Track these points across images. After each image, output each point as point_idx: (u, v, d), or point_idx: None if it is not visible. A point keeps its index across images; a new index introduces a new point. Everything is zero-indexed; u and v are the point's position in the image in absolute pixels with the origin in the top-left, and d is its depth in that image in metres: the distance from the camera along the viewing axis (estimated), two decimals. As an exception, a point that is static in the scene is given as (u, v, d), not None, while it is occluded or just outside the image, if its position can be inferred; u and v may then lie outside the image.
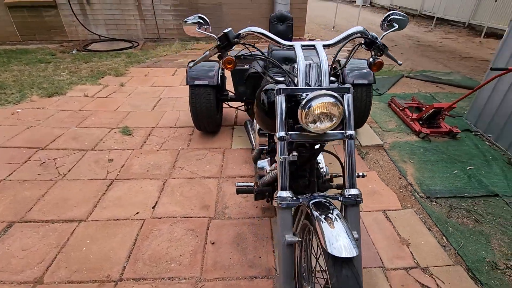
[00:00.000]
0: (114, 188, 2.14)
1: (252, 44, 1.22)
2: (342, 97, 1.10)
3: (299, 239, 1.10)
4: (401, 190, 2.18)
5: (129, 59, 5.11)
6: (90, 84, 4.02)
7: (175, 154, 2.54)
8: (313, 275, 1.22)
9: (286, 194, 1.07)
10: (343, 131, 1.11)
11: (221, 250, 1.68)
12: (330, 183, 1.54)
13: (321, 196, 1.07)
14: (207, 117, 2.54)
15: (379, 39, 1.28)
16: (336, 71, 1.25)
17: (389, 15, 1.34)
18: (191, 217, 1.89)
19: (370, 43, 1.28)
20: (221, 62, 1.24)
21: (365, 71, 2.40)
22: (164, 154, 2.53)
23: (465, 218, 1.94)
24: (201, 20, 1.25)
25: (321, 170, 1.56)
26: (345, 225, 0.92)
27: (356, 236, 1.01)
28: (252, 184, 1.65)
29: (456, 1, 9.20)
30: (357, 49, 1.27)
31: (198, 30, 1.25)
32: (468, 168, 2.41)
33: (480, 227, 1.87)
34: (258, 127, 1.76)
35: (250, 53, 1.24)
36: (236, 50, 1.30)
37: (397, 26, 1.33)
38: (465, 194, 2.13)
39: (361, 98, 2.45)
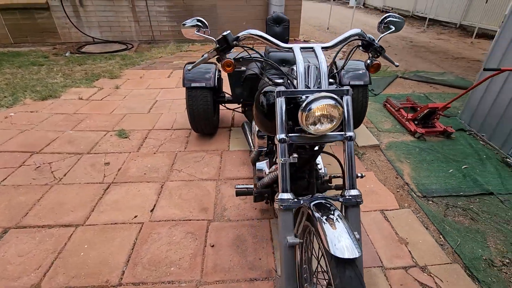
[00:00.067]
0: (111, 191, 2.12)
1: (251, 47, 1.22)
2: (341, 99, 1.11)
3: (301, 240, 1.10)
4: (398, 190, 2.20)
5: (124, 61, 5.08)
6: (84, 87, 3.98)
7: (172, 156, 2.53)
8: (314, 276, 1.22)
9: (287, 196, 1.07)
10: (342, 133, 1.12)
11: (221, 252, 1.67)
12: (329, 184, 1.55)
13: (321, 198, 1.08)
14: (204, 119, 2.53)
15: (376, 41, 1.30)
16: (334, 73, 1.26)
17: (385, 18, 1.35)
18: (190, 220, 1.89)
19: (368, 45, 1.30)
20: (220, 64, 1.24)
21: (360, 72, 2.42)
22: (161, 157, 2.51)
23: (461, 217, 1.97)
24: (199, 23, 1.25)
25: (320, 171, 1.57)
26: (347, 226, 0.93)
27: (357, 236, 1.02)
28: (252, 186, 1.65)
29: (447, 2, 9.35)
30: (354, 51, 1.29)
31: (197, 33, 1.25)
32: (463, 167, 2.45)
33: (476, 225, 1.90)
34: (257, 129, 1.76)
35: (249, 56, 1.24)
36: (234, 52, 1.30)
37: (393, 28, 1.35)
38: (461, 193, 2.16)
39: (357, 99, 2.47)
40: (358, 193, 1.10)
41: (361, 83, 2.38)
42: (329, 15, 8.75)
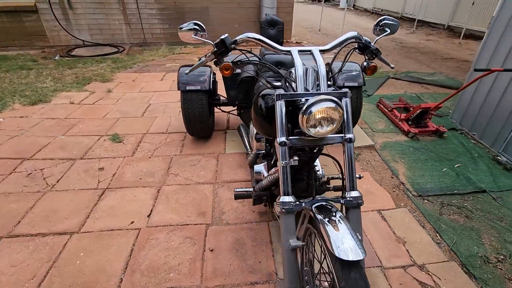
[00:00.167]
0: (106, 197, 2.08)
1: (249, 50, 1.22)
2: (341, 101, 1.12)
3: (303, 243, 1.10)
4: (394, 190, 2.23)
5: (115, 64, 5.01)
6: (75, 91, 3.91)
7: (168, 160, 2.50)
8: (316, 278, 1.22)
9: (289, 199, 1.07)
10: (342, 135, 1.13)
11: (221, 256, 1.66)
12: (327, 185, 1.56)
13: (323, 200, 1.08)
14: (200, 122, 2.52)
15: (372, 44, 1.32)
16: (332, 76, 1.27)
17: (381, 21, 1.37)
18: (188, 225, 1.87)
19: (364, 48, 1.31)
20: (218, 67, 1.23)
21: (354, 73, 2.44)
22: (156, 161, 2.49)
23: (456, 215, 2.00)
24: (197, 27, 1.24)
25: (318, 172, 1.58)
26: (349, 227, 0.93)
27: (359, 238, 1.02)
28: (251, 189, 1.65)
29: (435, 3, 9.55)
30: (351, 53, 1.30)
31: (194, 36, 1.24)
32: (456, 166, 2.49)
33: (471, 223, 1.93)
34: (255, 131, 1.76)
35: (247, 59, 1.24)
36: (230, 55, 1.30)
37: (389, 31, 1.37)
38: (455, 191, 2.20)
39: (352, 100, 2.49)
40: (358, 195, 1.11)
41: (356, 84, 2.41)
42: (321, 17, 8.84)
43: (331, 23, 10.05)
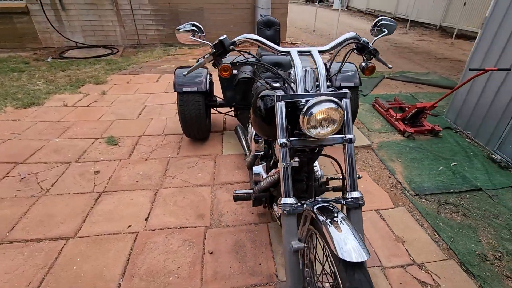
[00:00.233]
0: (103, 201, 2.05)
1: (248, 51, 1.22)
2: (340, 101, 1.11)
3: (305, 245, 1.10)
4: (391, 189, 2.24)
5: (110, 66, 4.96)
6: (69, 93, 3.86)
7: (165, 162, 2.48)
8: (318, 279, 1.21)
9: (290, 200, 1.07)
10: (342, 135, 1.12)
11: (220, 259, 1.64)
12: (327, 186, 1.56)
13: (324, 201, 1.08)
14: (196, 123, 2.50)
15: (370, 44, 1.32)
16: (331, 76, 1.27)
17: (378, 21, 1.38)
18: (187, 227, 1.85)
19: (362, 48, 1.32)
20: (216, 69, 1.22)
21: (350, 74, 2.45)
22: (153, 163, 2.46)
23: (453, 213, 2.02)
24: (195, 28, 1.23)
25: (317, 173, 1.58)
26: (352, 228, 0.93)
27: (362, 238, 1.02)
28: (250, 191, 1.64)
29: (427, 4, 9.67)
30: (350, 54, 1.30)
31: (192, 37, 1.23)
32: (452, 164, 2.52)
33: (468, 221, 1.95)
34: (254, 133, 1.75)
35: (245, 60, 1.23)
36: (228, 56, 1.29)
37: (386, 32, 1.38)
38: (452, 190, 2.22)
39: (348, 100, 2.50)
40: (359, 195, 1.11)
41: (352, 84, 2.41)
42: (315, 17, 8.88)
43: (326, 24, 10.10)
